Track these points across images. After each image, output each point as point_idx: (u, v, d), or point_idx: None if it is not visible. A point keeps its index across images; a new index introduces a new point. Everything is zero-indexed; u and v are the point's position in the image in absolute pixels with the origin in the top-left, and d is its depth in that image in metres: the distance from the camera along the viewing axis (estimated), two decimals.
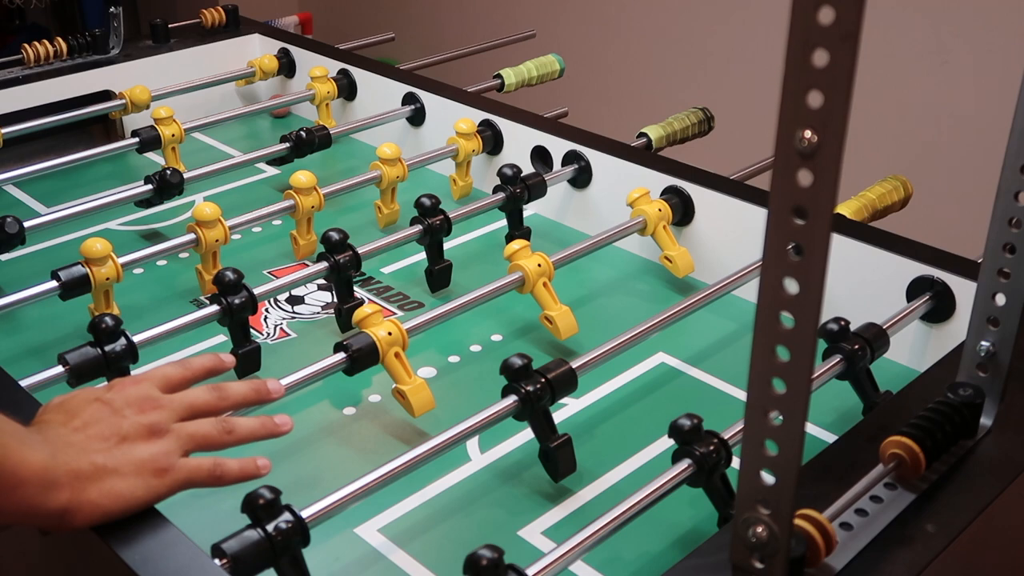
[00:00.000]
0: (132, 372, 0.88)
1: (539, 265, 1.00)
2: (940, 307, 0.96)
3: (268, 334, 1.05)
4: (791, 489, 0.55)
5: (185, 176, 1.22)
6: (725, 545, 0.62)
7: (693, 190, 1.14)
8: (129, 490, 0.65)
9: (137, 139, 1.33)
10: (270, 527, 0.64)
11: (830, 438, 0.86)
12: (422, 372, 0.97)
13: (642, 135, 1.33)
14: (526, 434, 0.86)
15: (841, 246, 1.01)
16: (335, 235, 1.03)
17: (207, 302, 0.96)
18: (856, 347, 0.85)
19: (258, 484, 0.67)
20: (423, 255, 1.12)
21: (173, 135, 1.34)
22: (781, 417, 0.54)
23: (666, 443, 0.78)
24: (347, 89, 1.53)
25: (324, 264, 1.02)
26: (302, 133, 1.32)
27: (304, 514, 0.67)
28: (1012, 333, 0.71)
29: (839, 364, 0.85)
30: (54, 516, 0.63)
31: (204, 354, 0.79)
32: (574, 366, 0.84)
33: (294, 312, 1.09)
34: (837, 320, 0.87)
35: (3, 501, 0.61)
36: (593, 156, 1.24)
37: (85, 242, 0.99)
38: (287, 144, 1.31)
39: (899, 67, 2.14)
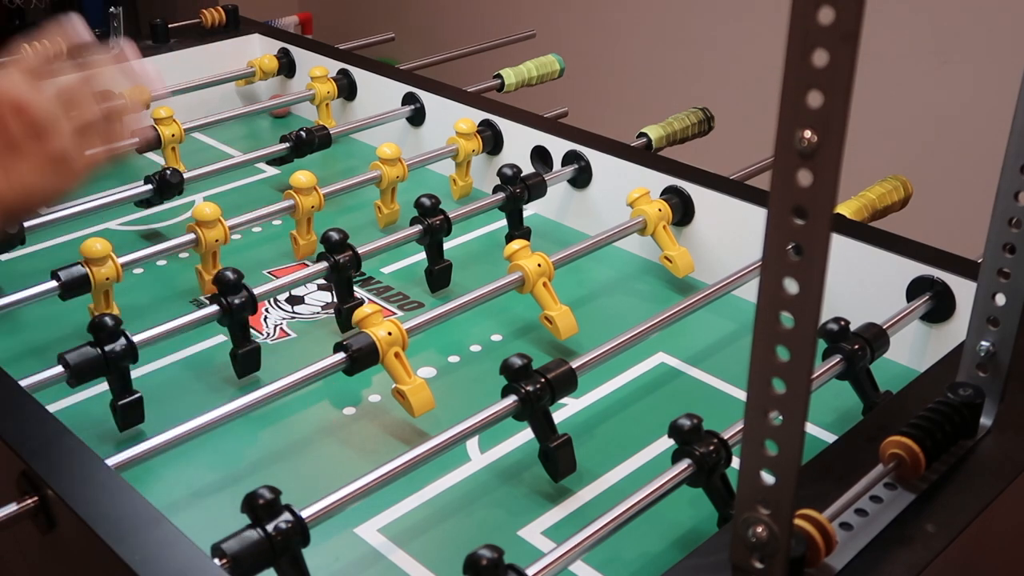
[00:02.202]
0: (132, 371, 0.88)
1: (539, 265, 1.00)
2: (940, 307, 0.96)
3: (268, 334, 1.05)
4: (791, 489, 0.55)
5: (185, 176, 1.22)
6: (725, 545, 0.62)
7: (693, 190, 1.14)
8: (38, 186, 0.71)
9: (137, 139, 1.33)
10: (270, 527, 0.64)
11: (830, 438, 0.86)
12: (422, 372, 0.97)
13: (642, 135, 1.33)
14: (526, 434, 0.86)
15: (841, 246, 1.01)
16: (335, 235, 1.03)
17: (207, 302, 0.96)
18: (856, 347, 0.85)
19: (258, 484, 0.67)
20: (423, 255, 1.12)
21: (173, 135, 1.34)
22: (781, 417, 0.54)
23: (666, 443, 0.78)
24: (347, 89, 1.53)
25: (324, 264, 1.02)
26: (302, 133, 1.32)
27: (304, 514, 0.67)
28: (1012, 333, 0.71)
29: (839, 364, 0.85)
30: None
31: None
32: (574, 366, 0.84)
33: (294, 312, 1.09)
34: (837, 320, 0.87)
35: None
36: (593, 156, 1.24)
37: (85, 242, 0.99)
38: (287, 144, 1.31)
39: (899, 67, 2.14)
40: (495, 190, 1.18)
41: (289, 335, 1.05)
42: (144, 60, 0.79)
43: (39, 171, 0.70)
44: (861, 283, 1.01)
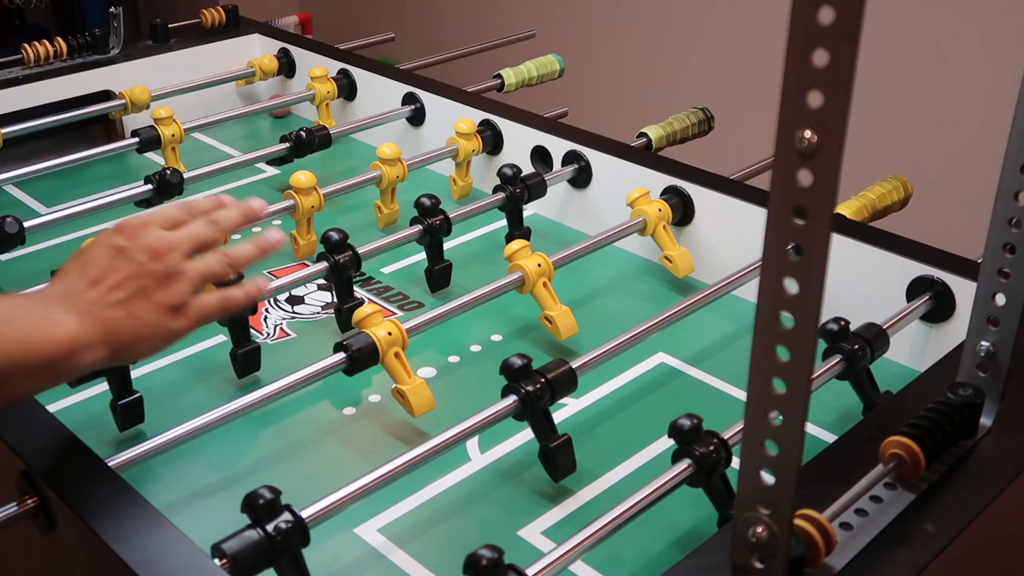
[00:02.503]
0: (131, 372, 0.88)
1: (539, 265, 1.00)
2: (940, 307, 0.96)
3: (268, 334, 1.05)
4: (791, 489, 0.55)
5: (185, 176, 1.22)
6: (725, 545, 0.62)
7: (693, 190, 1.14)
8: (153, 335, 0.72)
9: (137, 139, 1.33)
10: (270, 527, 0.64)
11: (830, 438, 0.86)
12: (422, 372, 0.97)
13: (642, 135, 1.33)
14: (526, 434, 0.86)
15: (841, 246, 1.01)
16: (335, 235, 1.03)
17: None
18: (856, 347, 0.85)
19: (258, 484, 0.67)
20: (423, 255, 1.12)
21: (173, 135, 1.34)
22: (781, 417, 0.54)
23: (666, 443, 0.78)
24: (347, 89, 1.53)
25: (324, 264, 1.02)
26: (302, 133, 1.32)
27: (304, 514, 0.67)
28: (1012, 333, 0.71)
29: (839, 364, 0.85)
30: (94, 367, 0.70)
31: (206, 197, 0.81)
32: (574, 366, 0.84)
33: (294, 312, 1.09)
34: (837, 320, 0.87)
35: (46, 377, 0.68)
36: (593, 156, 1.24)
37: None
38: (287, 144, 1.31)
39: (899, 67, 2.14)
40: (495, 190, 1.18)
41: (289, 335, 1.05)
42: (261, 200, 0.82)
43: (159, 313, 0.72)
44: (861, 283, 1.01)
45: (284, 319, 1.07)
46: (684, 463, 0.73)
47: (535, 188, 1.18)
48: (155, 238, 0.73)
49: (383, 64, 1.55)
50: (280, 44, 1.66)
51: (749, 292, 1.05)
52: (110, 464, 0.73)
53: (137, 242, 0.72)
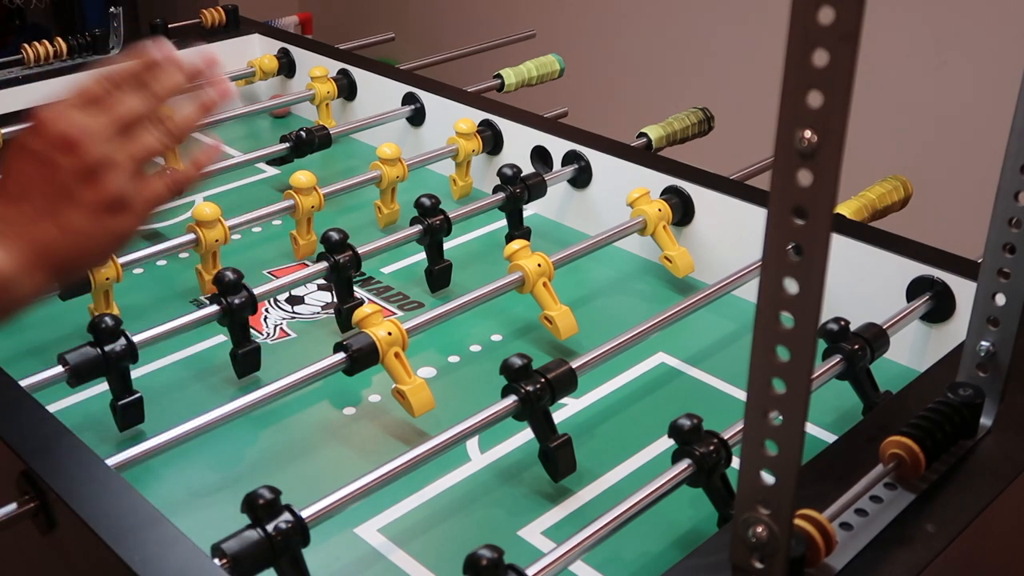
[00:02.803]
0: (132, 371, 0.88)
1: (539, 265, 1.00)
2: (940, 307, 0.96)
3: (268, 334, 1.05)
4: (791, 489, 0.55)
5: None
6: (725, 545, 0.62)
7: (693, 190, 1.14)
8: (96, 245, 0.63)
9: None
10: (270, 527, 0.64)
11: (830, 438, 0.86)
12: (422, 372, 0.97)
13: (642, 135, 1.33)
14: (526, 434, 0.86)
15: (841, 246, 1.01)
16: (335, 235, 1.03)
17: (207, 302, 0.95)
18: (856, 347, 0.85)
19: (258, 484, 0.67)
20: (423, 255, 1.12)
21: None
22: (781, 417, 0.54)
23: (666, 443, 0.78)
24: (347, 89, 1.53)
25: (324, 264, 1.02)
26: (302, 133, 1.32)
27: (304, 514, 0.67)
28: (1012, 333, 0.71)
29: (839, 364, 0.85)
30: (39, 293, 0.62)
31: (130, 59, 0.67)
32: (574, 366, 0.84)
33: (294, 312, 1.09)
34: (837, 320, 0.87)
35: None
36: (593, 156, 1.23)
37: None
38: (287, 144, 1.31)
39: (899, 67, 2.14)
40: (495, 190, 1.18)
41: (289, 335, 1.05)
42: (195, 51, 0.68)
43: (94, 217, 0.62)
44: (861, 283, 1.01)
45: (284, 319, 1.07)
46: (684, 463, 0.73)
47: (535, 188, 1.18)
48: (70, 127, 0.61)
49: (383, 64, 1.55)
50: (280, 44, 1.66)
51: (749, 292, 1.05)
52: (110, 464, 0.73)
53: (51, 139, 0.61)
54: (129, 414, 0.88)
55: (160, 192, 0.65)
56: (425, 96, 1.43)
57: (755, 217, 1.08)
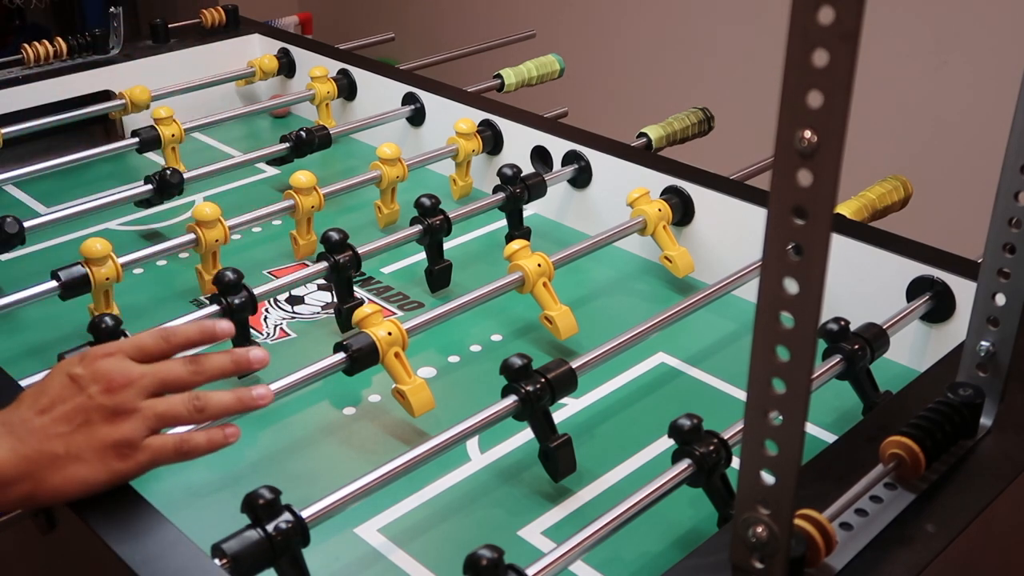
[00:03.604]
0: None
1: (539, 265, 1.00)
2: (940, 307, 0.96)
3: (268, 334, 1.05)
4: (791, 489, 0.55)
5: (185, 176, 1.22)
6: (725, 545, 0.62)
7: (693, 190, 1.14)
8: (91, 475, 0.66)
9: (137, 139, 1.33)
10: (270, 527, 0.64)
11: (830, 438, 0.86)
12: (422, 372, 0.97)
13: (642, 135, 1.33)
14: (526, 434, 0.86)
15: (841, 246, 1.01)
16: (335, 235, 1.03)
17: (207, 302, 0.96)
18: (856, 347, 0.85)
19: (258, 484, 0.67)
20: (423, 255, 1.12)
21: (173, 135, 1.34)
22: (781, 417, 0.54)
23: (666, 443, 0.78)
24: (347, 89, 1.53)
25: (324, 264, 1.02)
26: (302, 133, 1.32)
27: (304, 514, 0.67)
28: (1012, 333, 0.71)
29: (839, 364, 0.85)
30: (16, 505, 0.66)
31: (192, 323, 0.74)
32: (574, 366, 0.84)
33: (294, 312, 1.09)
34: (837, 320, 0.87)
35: None
36: (593, 156, 1.23)
37: (85, 242, 0.99)
38: (287, 144, 1.31)
39: (899, 67, 2.14)
40: (495, 190, 1.18)
41: (289, 335, 1.05)
42: (265, 352, 0.75)
43: (100, 450, 0.66)
44: (861, 283, 1.01)
45: (284, 319, 1.07)
46: (684, 463, 0.73)
47: (535, 188, 1.18)
48: (113, 369, 0.68)
49: (383, 64, 1.55)
50: (280, 44, 1.66)
51: (749, 292, 1.05)
52: None
53: (94, 372, 0.67)
54: None
55: (166, 452, 0.69)
56: (425, 96, 1.43)
57: (755, 217, 1.08)
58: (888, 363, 0.97)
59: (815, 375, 0.82)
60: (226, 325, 0.75)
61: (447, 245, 1.12)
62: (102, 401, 0.67)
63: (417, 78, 1.47)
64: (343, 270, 1.02)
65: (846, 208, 1.13)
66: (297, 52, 1.63)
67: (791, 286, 0.50)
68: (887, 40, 2.11)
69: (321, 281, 1.08)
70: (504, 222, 1.20)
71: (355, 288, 1.10)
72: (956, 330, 0.95)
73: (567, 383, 0.82)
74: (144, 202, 1.22)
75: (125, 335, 0.86)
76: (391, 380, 0.89)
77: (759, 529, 0.57)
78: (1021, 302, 0.70)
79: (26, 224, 1.09)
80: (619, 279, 1.17)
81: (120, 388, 0.67)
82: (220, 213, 1.08)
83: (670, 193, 1.15)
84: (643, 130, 1.34)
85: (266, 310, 1.08)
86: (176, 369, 0.71)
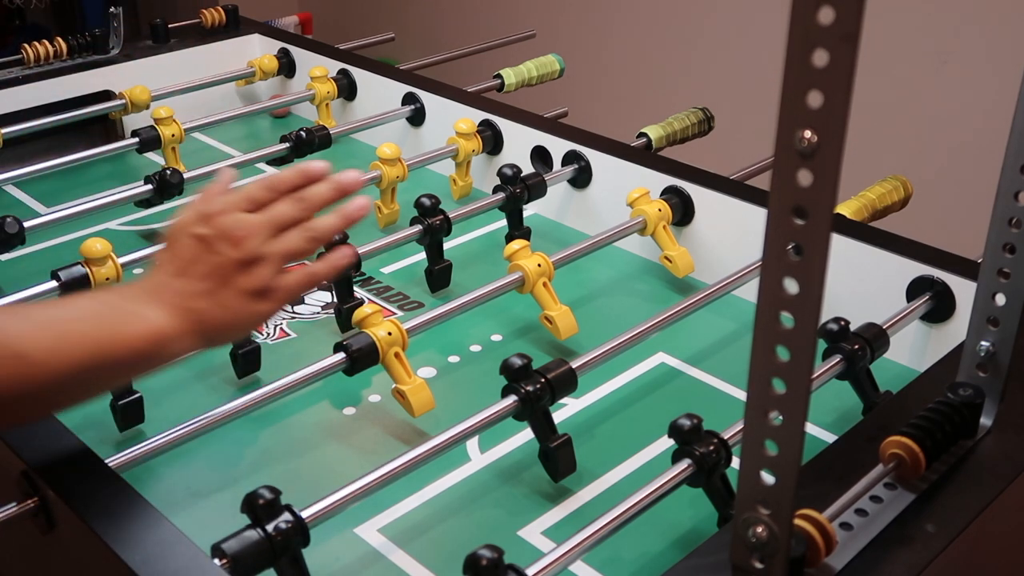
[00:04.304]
0: None
1: (539, 265, 1.00)
2: (940, 307, 0.96)
3: (268, 334, 1.05)
4: (791, 489, 0.55)
5: (185, 176, 1.22)
6: (725, 545, 0.62)
7: (693, 190, 1.14)
8: (240, 321, 0.73)
9: (137, 139, 1.33)
10: (270, 527, 0.64)
11: (830, 438, 0.86)
12: (422, 372, 0.97)
13: (642, 135, 1.33)
14: (526, 434, 0.86)
15: (841, 246, 1.01)
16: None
17: None
18: (856, 347, 0.85)
19: (258, 484, 0.67)
20: (423, 255, 1.12)
21: (173, 135, 1.34)
22: (781, 417, 0.54)
23: (666, 443, 0.78)
24: (347, 89, 1.53)
25: None
26: (302, 133, 1.32)
27: (304, 514, 0.67)
28: (1012, 333, 0.71)
29: (839, 364, 0.85)
30: (186, 354, 0.73)
31: (289, 169, 0.79)
32: (574, 366, 0.84)
33: (294, 312, 1.09)
34: (837, 320, 0.87)
35: (139, 367, 0.72)
36: (593, 156, 1.23)
37: (85, 242, 0.99)
38: (287, 144, 1.31)
39: (899, 67, 2.14)
40: (495, 190, 1.18)
41: (289, 335, 1.05)
42: (353, 173, 0.79)
43: (243, 300, 0.72)
44: (861, 283, 1.01)
45: (284, 319, 1.07)
46: (684, 463, 0.73)
47: (535, 188, 1.18)
48: (236, 225, 0.73)
49: (383, 64, 1.55)
50: (280, 44, 1.66)
51: (749, 292, 1.05)
52: (110, 464, 0.73)
53: (219, 230, 0.73)
54: (129, 414, 0.88)
55: (299, 284, 0.76)
56: (425, 96, 1.43)
57: (755, 217, 1.08)
58: (888, 363, 0.97)
59: (815, 375, 0.82)
60: (320, 164, 0.79)
61: (447, 245, 1.12)
62: (233, 255, 0.72)
63: (417, 78, 1.47)
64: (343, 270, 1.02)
65: (846, 208, 1.13)
66: (297, 52, 1.63)
67: (791, 286, 0.50)
68: (887, 40, 2.10)
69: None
70: (504, 222, 1.20)
71: (355, 288, 1.10)
72: (956, 330, 0.95)
73: (567, 383, 0.82)
74: (144, 202, 1.22)
75: None
76: (391, 380, 0.89)
77: (759, 529, 0.57)
78: (1021, 302, 0.70)
79: (26, 224, 1.09)
80: (619, 279, 1.17)
81: (245, 239, 0.73)
82: None
83: (670, 193, 1.15)
84: (643, 130, 1.34)
85: None
86: (287, 210, 0.76)
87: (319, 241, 0.77)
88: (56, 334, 0.67)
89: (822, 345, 0.86)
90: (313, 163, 0.79)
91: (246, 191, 0.76)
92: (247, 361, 0.96)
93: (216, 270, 0.72)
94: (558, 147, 1.27)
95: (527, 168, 1.28)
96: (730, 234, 1.12)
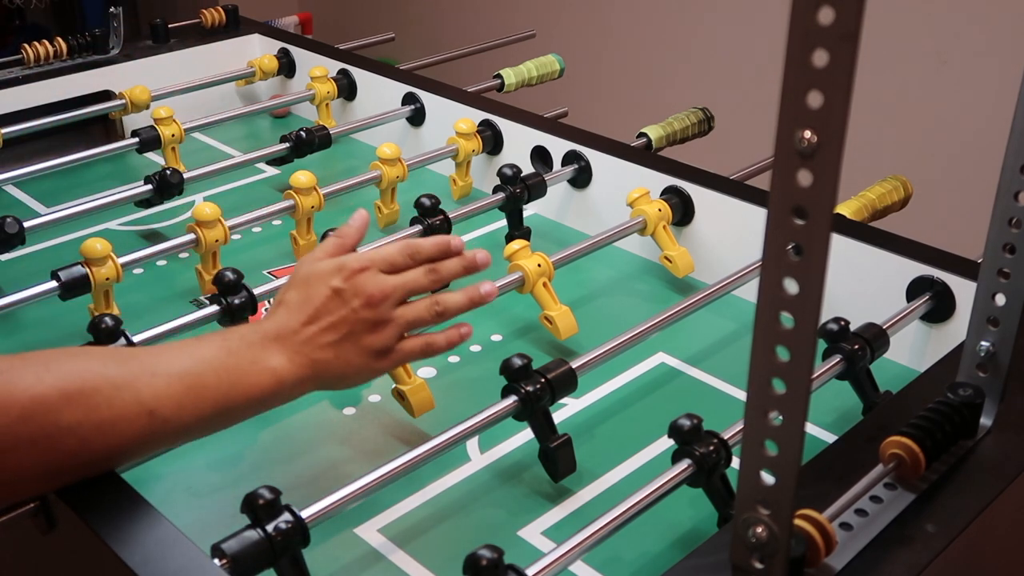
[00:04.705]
0: None
1: (539, 265, 1.00)
2: (940, 307, 0.96)
3: None
4: (791, 489, 0.55)
5: (185, 176, 1.22)
6: (725, 545, 0.62)
7: (693, 190, 1.14)
8: (358, 376, 0.77)
9: (137, 139, 1.33)
10: (270, 527, 0.64)
11: (830, 438, 0.86)
12: (422, 372, 0.97)
13: (642, 135, 1.33)
14: (526, 434, 0.86)
15: (841, 246, 1.01)
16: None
17: (207, 302, 0.95)
18: (856, 347, 0.85)
19: (258, 484, 0.67)
20: None
21: (173, 135, 1.34)
22: (781, 417, 0.54)
23: (666, 443, 0.78)
24: (347, 89, 1.53)
25: None
26: (302, 133, 1.32)
27: (304, 514, 0.67)
28: (1012, 333, 0.71)
29: (839, 364, 0.85)
30: (297, 397, 0.76)
31: (429, 239, 0.82)
32: (574, 366, 0.84)
33: None
34: (837, 320, 0.87)
35: (256, 411, 0.74)
36: (593, 156, 1.24)
37: (85, 242, 0.99)
38: (287, 144, 1.31)
39: (899, 67, 2.14)
40: (495, 190, 1.18)
41: None
42: (487, 254, 0.83)
43: (364, 357, 0.76)
44: (861, 283, 1.01)
45: None
46: (684, 463, 0.73)
47: (535, 188, 1.18)
48: (373, 286, 0.76)
49: (383, 64, 1.55)
50: (280, 44, 1.66)
51: (749, 292, 1.05)
52: None
53: (355, 287, 0.76)
54: None
55: (415, 352, 0.80)
56: (425, 96, 1.43)
57: (755, 217, 1.08)
58: (888, 363, 0.97)
59: (815, 375, 0.82)
60: (458, 241, 0.83)
61: None
62: (365, 315, 0.76)
63: (417, 78, 1.47)
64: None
65: (846, 208, 1.13)
66: (297, 52, 1.63)
67: (791, 286, 0.50)
68: (887, 40, 2.11)
69: None
70: (504, 222, 1.20)
71: None
72: (956, 330, 0.95)
73: (567, 383, 0.82)
74: (144, 202, 1.22)
75: (125, 335, 0.86)
76: (391, 380, 0.89)
77: (759, 529, 0.57)
78: (1021, 302, 0.70)
79: (26, 224, 1.09)
80: (619, 279, 1.17)
81: (379, 302, 0.76)
82: (220, 213, 1.08)
83: (670, 193, 1.15)
84: (643, 130, 1.34)
85: (266, 310, 1.08)
86: (420, 280, 0.80)
87: (444, 317, 0.80)
88: (185, 388, 0.69)
89: (822, 345, 0.86)
90: (453, 238, 0.83)
91: (387, 253, 0.79)
92: None
93: (345, 323, 0.75)
94: (558, 147, 1.27)
95: (527, 168, 1.28)
96: (730, 234, 1.12)
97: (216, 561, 0.62)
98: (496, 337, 1.05)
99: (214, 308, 0.93)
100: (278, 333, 0.75)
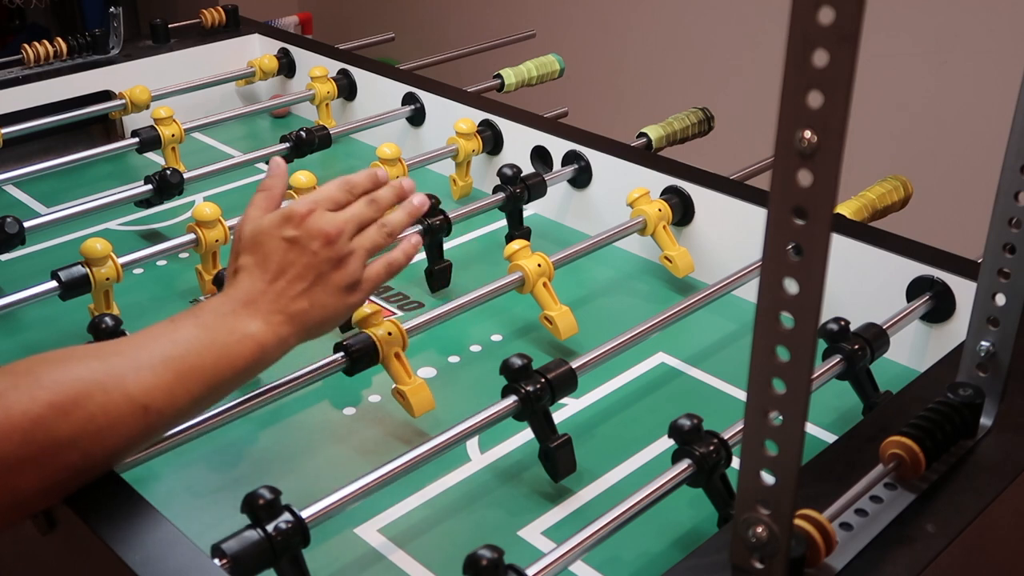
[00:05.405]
0: None
1: (539, 265, 1.00)
2: (940, 307, 0.96)
3: None
4: (791, 489, 0.55)
5: (185, 176, 1.22)
6: (725, 545, 0.62)
7: (693, 190, 1.14)
8: (335, 314, 0.79)
9: (137, 139, 1.33)
10: (270, 527, 0.64)
11: (830, 438, 0.86)
12: (422, 372, 0.97)
13: (642, 135, 1.33)
14: (526, 434, 0.86)
15: (841, 246, 1.01)
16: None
17: None
18: (856, 347, 0.85)
19: (258, 484, 0.67)
20: (423, 255, 1.12)
21: (173, 135, 1.34)
22: (781, 417, 0.54)
23: (666, 443, 0.78)
24: (347, 89, 1.53)
25: None
26: (302, 133, 1.32)
27: (304, 514, 0.67)
28: (1012, 333, 0.71)
29: (839, 364, 0.85)
30: (285, 353, 0.77)
31: (359, 173, 0.86)
32: (574, 366, 0.84)
33: None
34: (837, 320, 0.87)
35: (245, 379, 0.74)
36: (593, 156, 1.24)
37: (85, 242, 0.99)
38: (287, 144, 1.31)
39: (899, 67, 2.14)
40: (495, 190, 1.18)
41: None
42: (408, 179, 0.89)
43: (336, 295, 0.78)
44: (861, 283, 1.01)
45: None
46: (684, 463, 0.73)
47: (535, 188, 1.18)
48: (327, 224, 0.78)
49: (383, 64, 1.55)
50: (280, 44, 1.66)
51: (749, 292, 1.05)
52: None
53: (309, 231, 0.77)
54: None
55: (381, 275, 0.83)
56: (425, 96, 1.43)
57: (755, 217, 1.08)
58: (888, 363, 0.97)
59: (815, 375, 0.82)
60: (383, 172, 0.87)
61: (447, 245, 1.12)
62: (327, 255, 0.77)
63: (417, 78, 1.47)
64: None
65: (846, 208, 1.13)
66: (297, 52, 1.63)
67: (791, 286, 0.50)
68: (887, 40, 2.11)
69: None
70: (504, 222, 1.20)
71: None
72: (956, 330, 0.95)
73: (567, 383, 0.82)
74: (144, 202, 1.22)
75: (125, 335, 0.86)
76: (391, 380, 0.89)
77: (759, 529, 0.57)
78: (1021, 302, 0.70)
79: (26, 224, 1.09)
80: (619, 279, 1.17)
81: (336, 238, 0.78)
82: (220, 213, 1.08)
83: (670, 193, 1.15)
84: (643, 130, 1.34)
85: None
86: (365, 211, 0.82)
87: (394, 235, 0.84)
88: (173, 377, 0.69)
89: (822, 345, 0.86)
90: (379, 170, 0.86)
91: (328, 192, 0.82)
92: None
93: (310, 269, 0.76)
94: (558, 147, 1.27)
95: (527, 168, 1.28)
96: (730, 234, 1.12)
97: (216, 561, 0.62)
98: (496, 337, 1.05)
99: None
100: (248, 298, 0.75)
